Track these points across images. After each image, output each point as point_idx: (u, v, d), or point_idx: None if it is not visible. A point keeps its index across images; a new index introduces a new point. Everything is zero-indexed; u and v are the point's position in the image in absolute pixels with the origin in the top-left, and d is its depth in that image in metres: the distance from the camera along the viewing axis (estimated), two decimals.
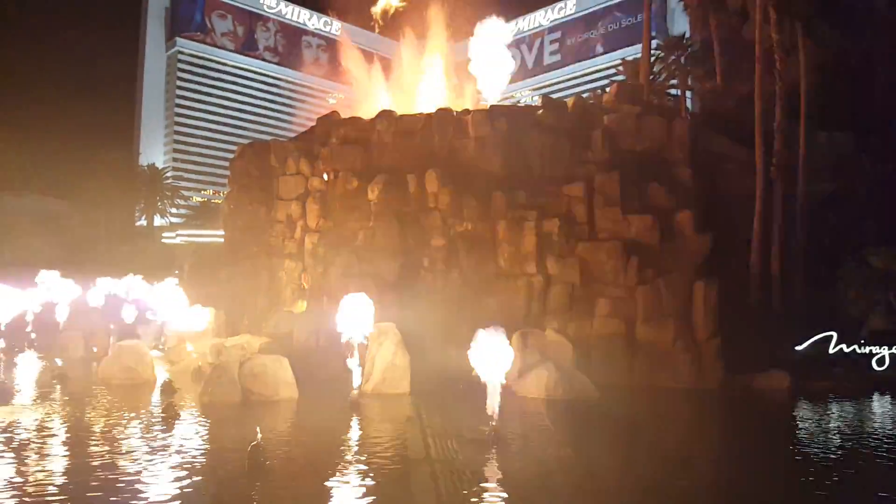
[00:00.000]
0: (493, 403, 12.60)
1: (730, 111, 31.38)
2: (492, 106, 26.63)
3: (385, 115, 25.82)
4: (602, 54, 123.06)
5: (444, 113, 25.36)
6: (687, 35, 40.46)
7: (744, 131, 26.34)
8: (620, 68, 44.39)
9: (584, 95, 39.09)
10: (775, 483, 10.71)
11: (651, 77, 36.36)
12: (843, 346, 21.67)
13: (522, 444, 12.76)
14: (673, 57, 38.19)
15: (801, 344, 21.77)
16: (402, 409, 15.83)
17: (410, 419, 14.46)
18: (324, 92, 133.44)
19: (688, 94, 40.35)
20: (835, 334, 21.75)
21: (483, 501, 9.24)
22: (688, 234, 21.78)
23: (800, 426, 15.86)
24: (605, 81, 67.14)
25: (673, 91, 39.96)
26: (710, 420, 16.96)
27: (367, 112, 27.64)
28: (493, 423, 12.41)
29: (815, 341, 21.76)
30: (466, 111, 25.47)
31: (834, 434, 14.56)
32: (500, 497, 9.57)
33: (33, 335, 28.95)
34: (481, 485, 9.92)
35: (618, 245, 21.28)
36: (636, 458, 12.57)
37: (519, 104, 60.39)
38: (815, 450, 12.91)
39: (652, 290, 20.54)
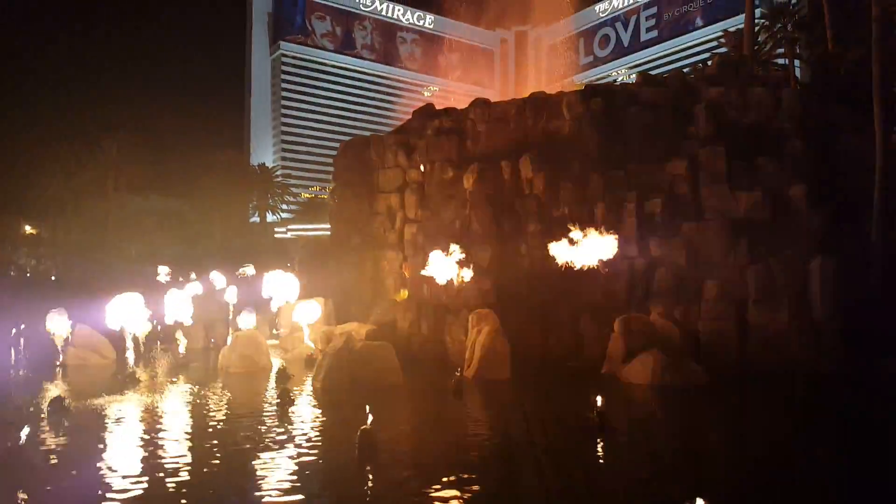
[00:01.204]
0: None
1: (844, 78, 29.00)
2: (587, 85, 26.11)
3: (478, 103, 25.96)
4: (702, 27, 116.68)
5: (537, 96, 25.16)
6: (794, 0, 37.72)
7: (861, 100, 24.27)
8: (722, 40, 42.10)
9: (685, 71, 37.40)
10: None
11: (755, 48, 34.25)
12: None
13: (629, 433, 12.53)
14: (779, 25, 35.80)
15: None
16: (504, 394, 16.01)
17: (512, 405, 14.58)
18: (420, 85, 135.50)
19: (796, 63, 37.66)
20: None
21: (587, 493, 9.19)
22: (802, 209, 20.45)
23: None
24: (707, 55, 63.75)
25: (780, 61, 37.45)
26: (831, 407, 15.83)
27: (463, 102, 27.89)
28: (599, 410, 12.22)
29: None
30: (560, 93, 25.13)
31: None
32: (605, 489, 9.50)
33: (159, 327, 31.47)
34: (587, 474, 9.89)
35: (726, 224, 20.34)
36: (748, 450, 11.94)
37: (615, 83, 58.49)
38: None
39: (764, 270, 19.46)
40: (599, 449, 11.26)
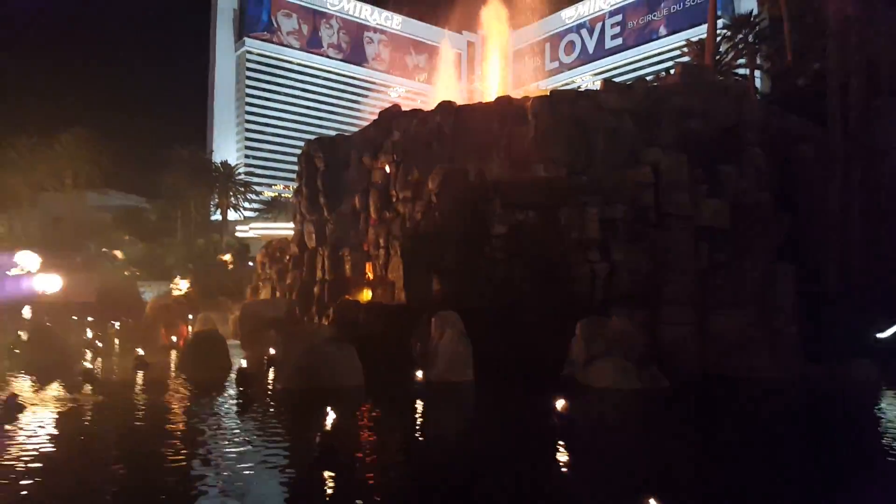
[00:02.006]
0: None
1: (802, 90, 29.88)
2: (552, 91, 26.25)
3: (444, 106, 25.88)
4: (665, 36, 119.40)
5: (503, 101, 25.20)
6: (755, 13, 38.73)
7: (818, 111, 25.00)
8: (685, 49, 42.94)
9: (648, 79, 38.02)
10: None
11: (717, 57, 35.04)
12: None
13: (586, 436, 12.55)
14: (740, 36, 36.77)
15: (883, 331, 20.55)
16: (466, 397, 15.95)
17: (474, 408, 14.53)
18: (386, 85, 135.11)
19: (756, 73, 38.65)
20: None
21: (543, 492, 9.16)
22: (762, 217, 20.89)
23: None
24: (669, 64, 65.07)
25: (740, 71, 38.39)
26: (789, 414, 16.19)
27: (430, 104, 27.80)
28: (559, 413, 12.25)
29: None
30: (526, 98, 25.21)
31: None
32: (561, 489, 9.48)
33: (117, 326, 30.78)
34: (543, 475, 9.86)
35: (688, 230, 20.63)
36: (701, 452, 12.10)
37: (580, 89, 59.19)
38: None
39: (725, 276, 19.82)
40: (559, 450, 11.23)
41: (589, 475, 10.02)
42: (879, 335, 20.52)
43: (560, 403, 12.36)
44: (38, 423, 12.89)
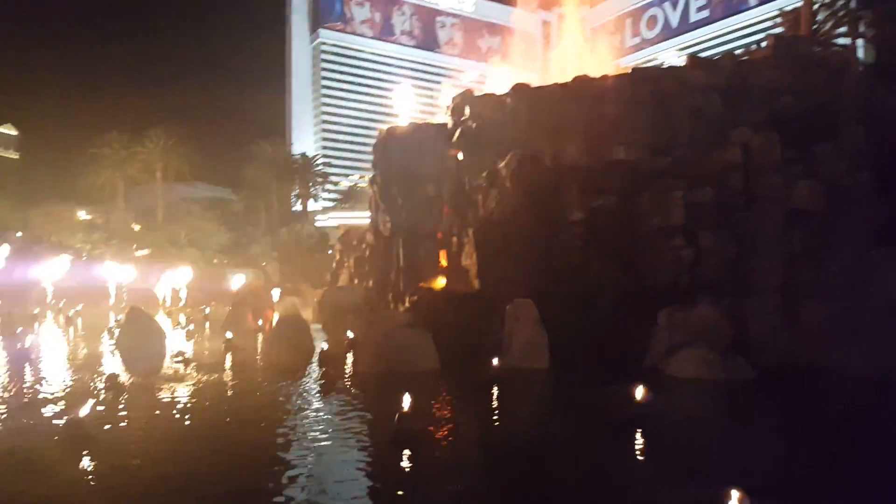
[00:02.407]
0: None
1: None
2: (633, 69, 25.32)
3: (519, 88, 25.46)
4: (756, 6, 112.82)
5: (580, 81, 24.51)
6: None
7: None
8: (778, 20, 40.50)
9: (737, 53, 36.08)
10: None
11: (814, 27, 32.79)
12: None
13: (668, 427, 12.09)
14: (840, 2, 34.16)
15: None
16: (541, 385, 15.77)
17: (549, 396, 14.34)
18: (459, 70, 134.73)
19: (859, 42, 35.92)
20: None
21: (620, 485, 8.92)
22: (860, 200, 19.43)
23: None
24: (761, 36, 61.60)
25: (840, 41, 35.79)
26: (884, 412, 15.01)
27: (505, 87, 27.41)
28: (638, 403, 11.87)
29: None
30: (605, 77, 24.43)
31: None
32: (639, 481, 9.19)
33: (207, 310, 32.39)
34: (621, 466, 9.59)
35: (779, 214, 19.48)
36: (788, 446, 11.36)
37: (663, 66, 57.05)
38: None
39: (818, 263, 18.61)
40: (639, 442, 10.89)
41: (668, 465, 9.66)
42: None
43: (640, 393, 11.97)
44: (140, 401, 13.72)
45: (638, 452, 10.36)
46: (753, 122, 21.30)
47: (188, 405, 13.66)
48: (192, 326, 28.26)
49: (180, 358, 19.11)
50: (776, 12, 44.99)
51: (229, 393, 15.38)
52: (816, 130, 20.64)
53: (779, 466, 9.52)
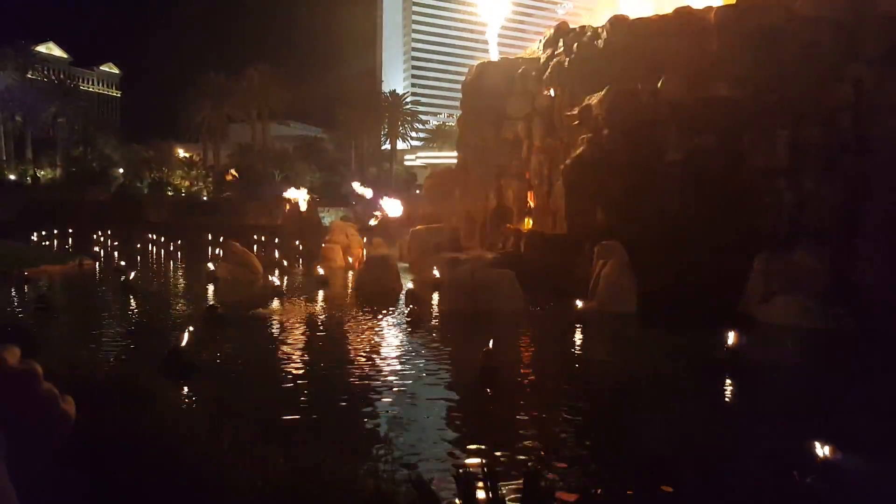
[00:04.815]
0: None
1: None
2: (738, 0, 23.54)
3: (616, 20, 24.30)
4: None
5: (682, 12, 23.07)
6: None
7: None
8: None
9: None
10: None
11: None
12: None
13: (759, 374, 11.81)
14: None
15: None
16: (628, 329, 15.66)
17: (637, 339, 14.26)
18: (553, 2, 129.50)
19: None
20: None
21: (707, 431, 8.87)
22: None
23: None
24: None
25: None
26: None
27: (600, 20, 26.22)
28: (730, 349, 11.62)
29: None
30: (709, 8, 22.88)
31: None
32: (726, 428, 9.11)
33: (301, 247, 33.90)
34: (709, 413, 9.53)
35: (892, 158, 17.92)
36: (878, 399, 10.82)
37: None
38: None
39: None
40: (727, 388, 10.74)
41: (756, 414, 9.52)
42: None
43: (731, 338, 11.71)
44: (240, 329, 14.78)
45: (727, 399, 10.25)
46: (869, 56, 19.43)
47: (282, 338, 14.55)
48: (285, 262, 29.62)
49: (275, 291, 19.87)
50: None
51: (320, 328, 16.05)
52: None
53: (869, 421, 9.17)
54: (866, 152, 18.47)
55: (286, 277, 23.34)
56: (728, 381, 10.91)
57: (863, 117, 18.77)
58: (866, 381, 11.55)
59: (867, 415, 9.21)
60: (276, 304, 18.65)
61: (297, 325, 15.85)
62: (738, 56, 20.97)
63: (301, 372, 11.28)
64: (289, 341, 14.05)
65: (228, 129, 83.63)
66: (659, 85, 21.54)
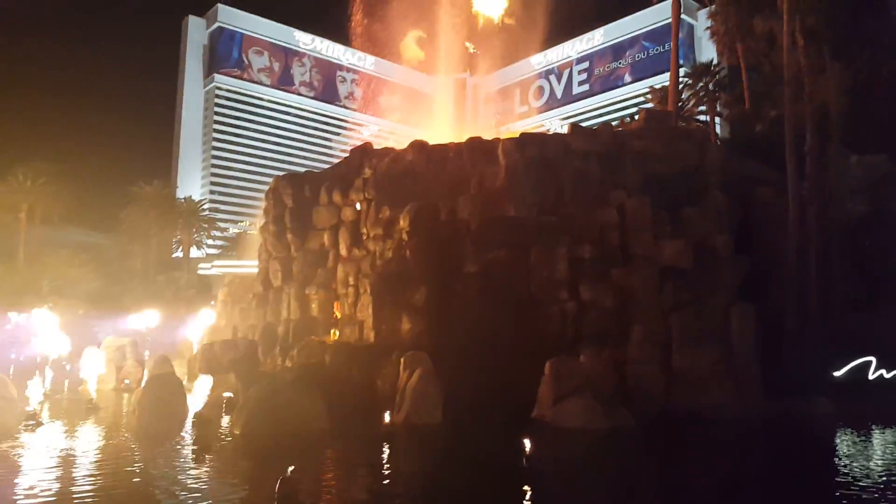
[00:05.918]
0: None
1: (760, 136, 31.02)
2: (522, 133, 26.67)
3: (416, 145, 26.09)
4: (630, 83, 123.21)
5: (474, 141, 25.49)
6: (714, 62, 40.28)
7: (775, 155, 25.89)
8: (649, 96, 44.30)
9: (614, 124, 39.01)
10: None
11: (679, 104, 36.24)
12: (883, 371, 21.01)
13: (555, 477, 12.33)
14: (701, 84, 38.16)
15: (840, 369, 21.08)
16: (434, 440, 15.61)
17: (442, 451, 14.21)
18: (358, 124, 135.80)
19: (717, 119, 40.04)
20: (874, 359, 21.10)
21: None
22: (723, 257, 21.30)
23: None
24: (634, 109, 66.97)
25: (701, 117, 39.72)
26: (753, 451, 16.21)
27: (402, 143, 27.99)
28: (528, 457, 12.04)
29: (855, 367, 21.10)
30: (497, 139, 25.58)
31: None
32: None
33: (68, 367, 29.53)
34: None
35: (652, 270, 20.89)
36: (673, 490, 12.01)
37: (548, 132, 60.35)
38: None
39: (687, 315, 20.06)
40: (526, 493, 11.00)
41: None
42: (836, 373, 20.96)
43: (527, 446, 12.18)
44: None
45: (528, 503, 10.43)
46: (628, 185, 22.96)
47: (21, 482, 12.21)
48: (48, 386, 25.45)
49: (32, 422, 16.84)
50: (647, 89, 49.19)
51: (88, 463, 13.82)
52: (683, 195, 22.55)
53: None
54: (629, 266, 21.24)
55: (46, 403, 20.12)
56: (525, 488, 11.18)
57: (626, 236, 21.74)
58: (642, 474, 12.58)
59: None
60: (28, 435, 15.81)
61: (48, 461, 13.38)
62: (522, 181, 23.44)
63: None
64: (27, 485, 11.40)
65: None
66: (456, 204, 23.14)
